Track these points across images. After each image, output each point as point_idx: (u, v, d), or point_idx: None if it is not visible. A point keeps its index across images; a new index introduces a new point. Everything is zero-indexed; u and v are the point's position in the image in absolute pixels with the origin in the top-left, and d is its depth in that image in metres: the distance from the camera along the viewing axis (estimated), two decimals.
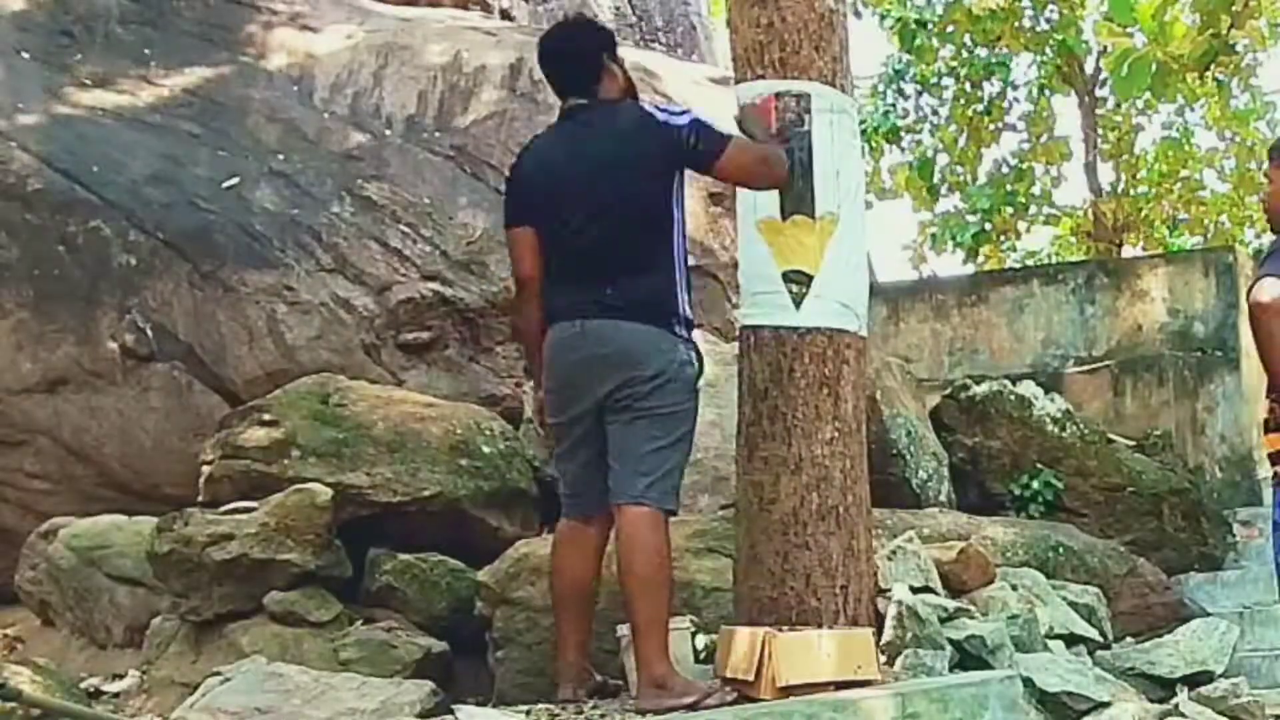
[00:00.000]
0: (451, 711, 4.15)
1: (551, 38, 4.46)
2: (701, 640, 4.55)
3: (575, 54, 4.30)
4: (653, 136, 4.10)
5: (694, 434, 4.22)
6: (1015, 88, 15.09)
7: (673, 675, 4.02)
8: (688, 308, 4.17)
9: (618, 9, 10.69)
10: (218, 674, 4.45)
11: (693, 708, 3.89)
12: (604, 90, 4.27)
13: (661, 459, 4.05)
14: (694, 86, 7.56)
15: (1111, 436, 7.00)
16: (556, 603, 4.39)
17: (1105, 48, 13.31)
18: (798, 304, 4.27)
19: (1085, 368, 8.15)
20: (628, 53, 5.27)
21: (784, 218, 4.29)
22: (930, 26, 13.72)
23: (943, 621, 4.50)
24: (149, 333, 6.49)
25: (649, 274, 4.07)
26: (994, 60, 14.56)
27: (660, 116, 4.16)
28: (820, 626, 4.09)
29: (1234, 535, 6.86)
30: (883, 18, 14.36)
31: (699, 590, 4.90)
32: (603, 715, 4.13)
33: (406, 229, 6.71)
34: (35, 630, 6.19)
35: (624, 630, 4.43)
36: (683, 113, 4.22)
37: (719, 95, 6.89)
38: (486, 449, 5.70)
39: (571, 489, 4.29)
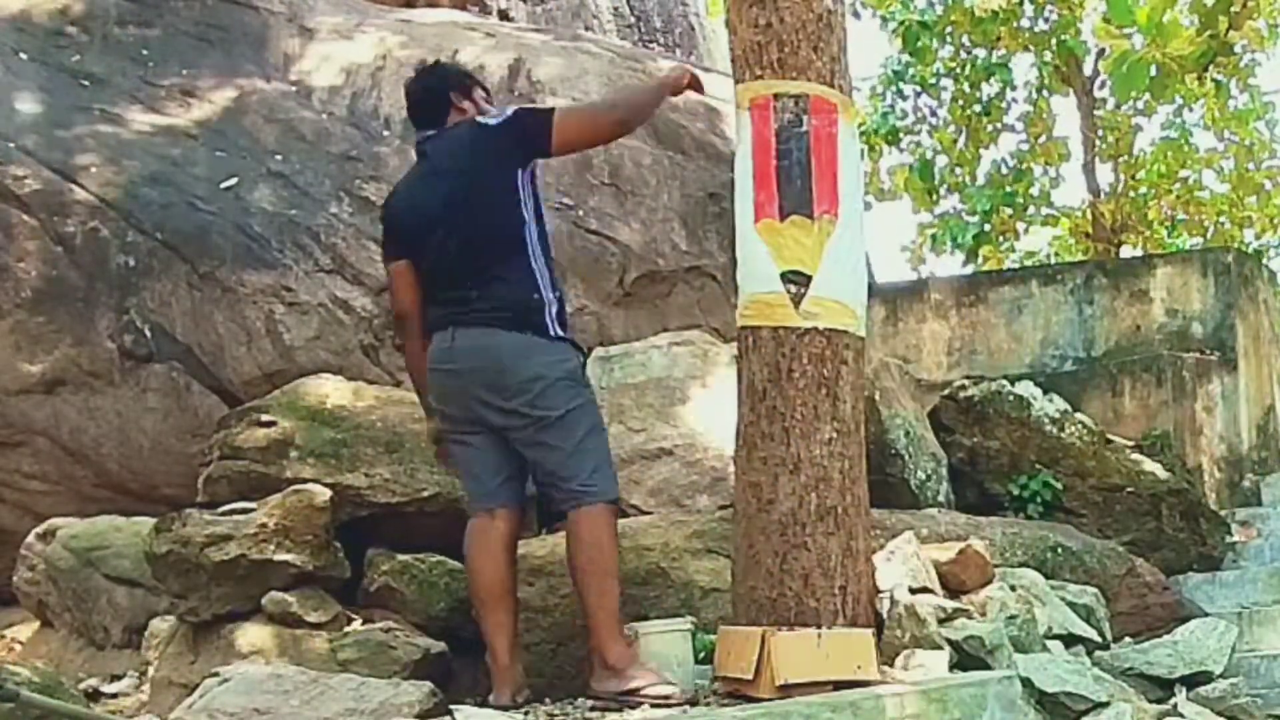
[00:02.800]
0: (450, 712, 4.15)
1: (408, 83, 4.79)
2: (701, 641, 4.55)
3: (422, 94, 4.65)
4: (483, 141, 4.34)
5: (602, 424, 4.38)
6: (1014, 89, 15.09)
7: (627, 659, 4.13)
8: (555, 306, 4.32)
9: (616, 9, 10.69)
10: (216, 675, 4.44)
11: (632, 694, 4.02)
12: (451, 123, 4.55)
13: (588, 458, 4.22)
14: None
15: (1110, 437, 6.99)
16: (478, 604, 4.43)
17: (1104, 49, 13.31)
18: (796, 304, 4.27)
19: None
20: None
21: (783, 218, 4.30)
22: (931, 27, 13.72)
23: (941, 622, 4.49)
24: (147, 333, 6.49)
25: (508, 282, 4.23)
26: (994, 62, 14.56)
27: (485, 121, 4.42)
28: (819, 627, 4.08)
29: (1232, 535, 6.85)
30: (884, 20, 14.36)
31: (698, 591, 4.90)
32: (601, 715, 4.13)
33: None
34: (33, 631, 6.19)
35: (624, 630, 4.43)
36: (504, 111, 4.47)
37: None
38: None
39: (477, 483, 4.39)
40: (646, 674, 4.13)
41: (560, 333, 4.33)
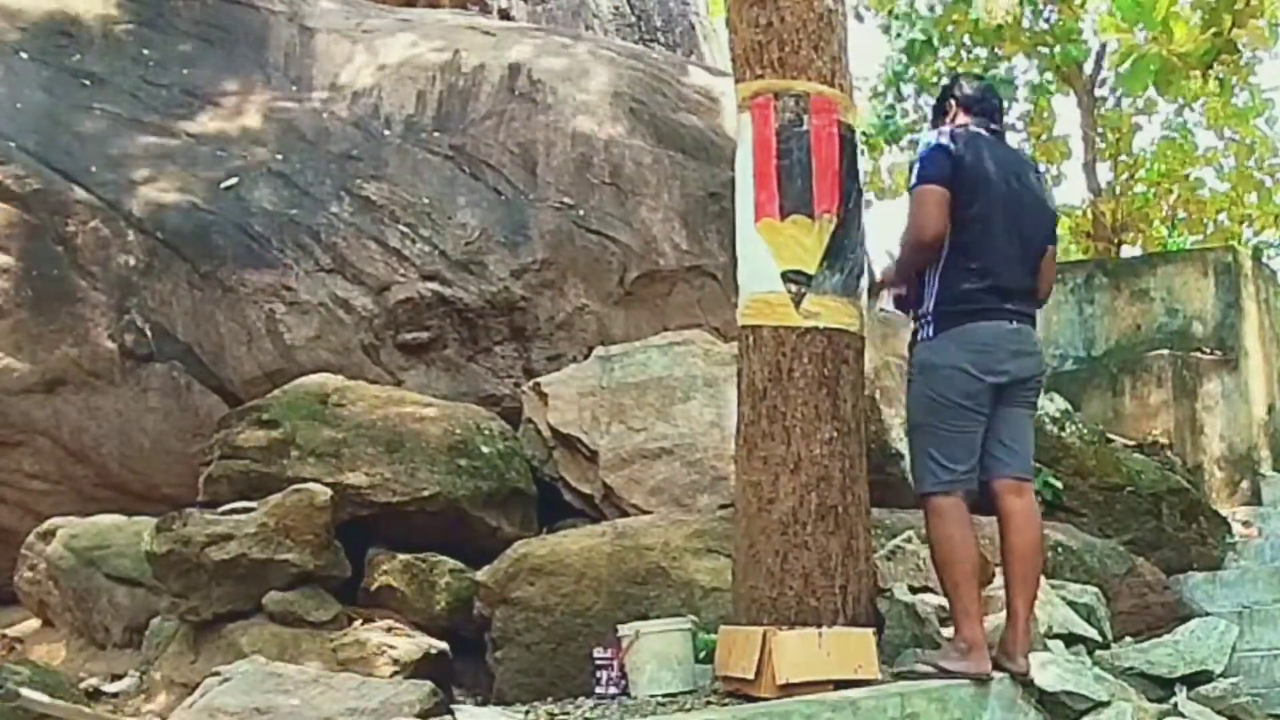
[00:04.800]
0: (451, 711, 4.15)
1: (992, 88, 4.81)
2: (701, 640, 4.55)
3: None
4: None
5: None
6: (1015, 101, 15.09)
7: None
8: None
9: (616, 8, 10.69)
10: (217, 674, 4.45)
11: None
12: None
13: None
14: None
15: (1110, 436, 7.00)
16: (965, 579, 4.26)
17: (1104, 49, 13.30)
18: (797, 304, 4.28)
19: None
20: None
21: (783, 218, 4.30)
22: (935, 45, 13.75)
23: (942, 621, 4.50)
24: (148, 333, 6.49)
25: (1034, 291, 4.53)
26: (999, 78, 14.55)
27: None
28: (820, 626, 4.08)
29: (1232, 535, 6.85)
30: (886, 30, 14.37)
31: (698, 590, 4.90)
32: (602, 715, 4.13)
33: (405, 229, 6.71)
34: (34, 630, 6.19)
35: (624, 630, 4.43)
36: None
37: None
38: (485, 449, 5.70)
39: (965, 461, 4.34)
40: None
41: None
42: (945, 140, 4.35)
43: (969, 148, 4.34)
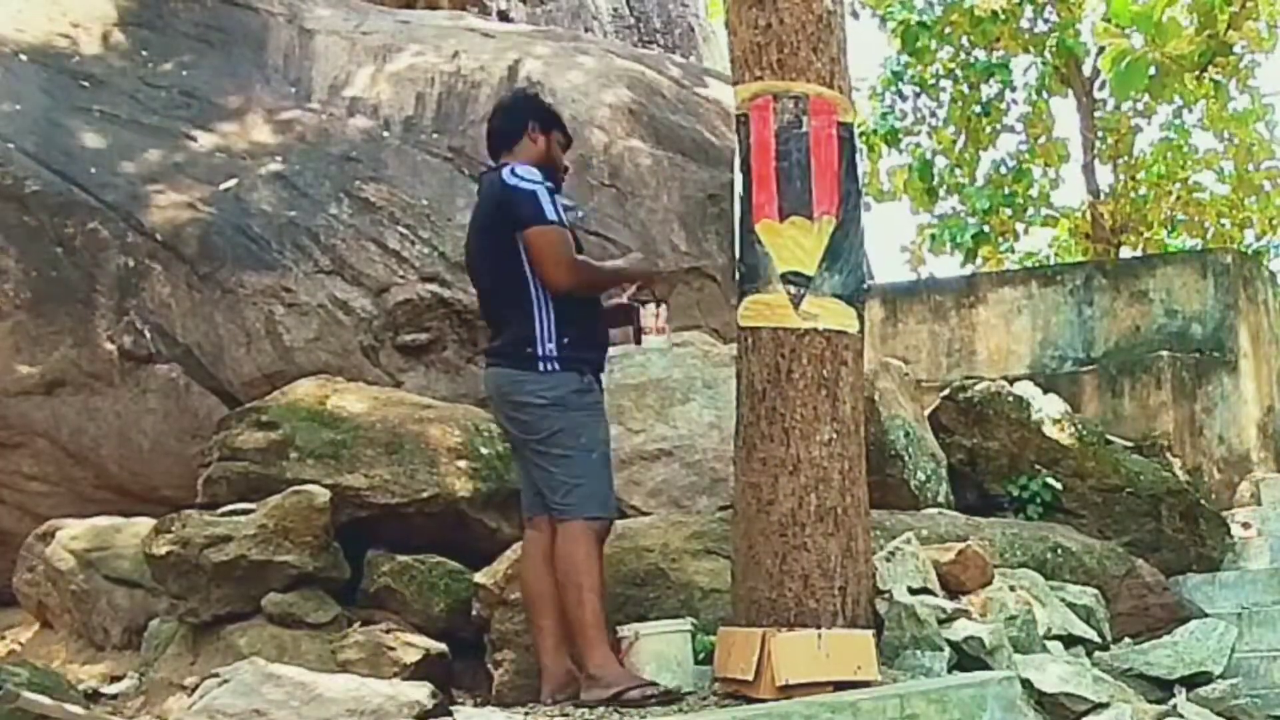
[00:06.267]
0: (450, 712, 4.15)
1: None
2: (701, 641, 4.55)
3: (494, 121, 4.76)
4: (498, 196, 4.47)
5: (593, 445, 4.43)
6: (1014, 89, 15.08)
7: (608, 667, 4.22)
8: (551, 343, 4.40)
9: (615, 10, 10.70)
10: (216, 676, 4.44)
11: (617, 698, 4.07)
12: (516, 156, 4.57)
13: (563, 476, 4.35)
14: None
15: (1110, 438, 6.99)
16: (525, 607, 4.63)
17: (1103, 48, 13.30)
18: (796, 305, 4.28)
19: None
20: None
21: (782, 219, 4.30)
22: (930, 28, 13.72)
23: (941, 622, 4.50)
24: (147, 334, 6.49)
25: (510, 323, 4.46)
26: (994, 63, 14.56)
27: (510, 180, 4.44)
28: (819, 627, 4.09)
29: (1232, 536, 6.85)
30: (883, 20, 14.36)
31: (697, 591, 4.90)
32: (600, 716, 4.13)
33: (404, 230, 6.71)
34: (33, 632, 6.19)
35: (625, 631, 4.43)
36: (534, 183, 4.43)
37: None
38: (484, 450, 5.70)
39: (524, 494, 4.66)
40: (627, 677, 4.18)
41: (554, 367, 4.40)
42: None
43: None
